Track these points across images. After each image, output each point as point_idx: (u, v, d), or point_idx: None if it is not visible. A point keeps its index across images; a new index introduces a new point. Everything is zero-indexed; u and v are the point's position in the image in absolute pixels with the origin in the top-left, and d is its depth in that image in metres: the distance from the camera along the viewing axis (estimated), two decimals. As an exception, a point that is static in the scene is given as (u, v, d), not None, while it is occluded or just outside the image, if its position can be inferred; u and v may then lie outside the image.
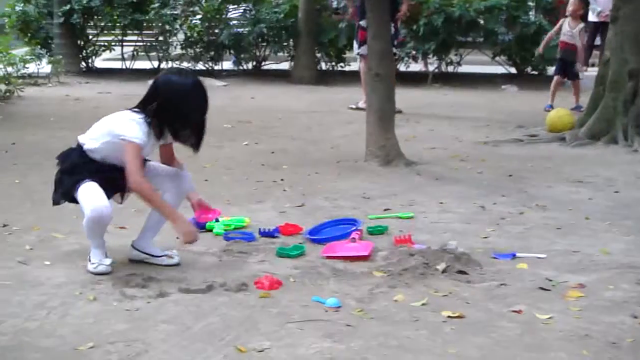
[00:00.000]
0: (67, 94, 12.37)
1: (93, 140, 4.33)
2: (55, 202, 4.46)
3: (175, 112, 4.22)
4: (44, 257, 4.53)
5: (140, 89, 12.33)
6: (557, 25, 11.52)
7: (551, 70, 12.81)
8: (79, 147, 4.38)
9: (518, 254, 4.65)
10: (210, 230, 5.10)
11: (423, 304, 3.82)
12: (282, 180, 6.73)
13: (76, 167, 4.33)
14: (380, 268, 4.36)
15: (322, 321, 3.60)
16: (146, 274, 4.20)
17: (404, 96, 10.49)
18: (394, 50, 10.47)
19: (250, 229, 5.18)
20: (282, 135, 9.09)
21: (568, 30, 11.19)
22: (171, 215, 4.25)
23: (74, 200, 4.31)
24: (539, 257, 4.62)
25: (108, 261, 4.26)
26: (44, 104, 11.36)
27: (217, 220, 5.16)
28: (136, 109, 4.31)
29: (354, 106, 10.89)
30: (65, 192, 4.34)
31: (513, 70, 14.92)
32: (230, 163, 7.48)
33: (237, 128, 9.57)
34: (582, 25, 11.32)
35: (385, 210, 5.74)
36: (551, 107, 10.76)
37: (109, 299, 3.86)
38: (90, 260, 4.27)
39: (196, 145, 4.35)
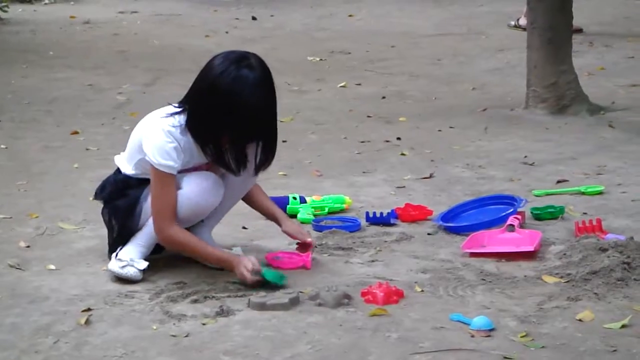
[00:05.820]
0: (72, 15, 12.60)
1: (127, 162, 4.43)
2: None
3: (219, 113, 4.16)
4: (46, 258, 4.61)
5: (182, 7, 12.54)
6: None
7: None
8: (117, 172, 4.47)
9: None
10: (294, 216, 5.14)
11: (623, 326, 3.77)
12: (398, 139, 6.76)
13: (121, 191, 4.42)
14: (555, 271, 4.33)
15: (465, 351, 3.59)
16: (200, 281, 4.25)
17: (585, 6, 10.33)
18: None
19: (353, 213, 5.22)
20: (397, 72, 9.10)
21: None
22: (226, 263, 4.27)
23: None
24: None
25: (143, 264, 4.30)
26: (39, 31, 11.60)
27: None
28: (179, 105, 4.33)
29: (513, 23, 10.86)
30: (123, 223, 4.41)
31: None
32: (320, 115, 7.53)
33: (329, 62, 9.59)
34: None
35: (559, 182, 5.72)
36: None
37: (145, 319, 3.91)
38: (116, 257, 4.32)
39: (237, 166, 4.30)
